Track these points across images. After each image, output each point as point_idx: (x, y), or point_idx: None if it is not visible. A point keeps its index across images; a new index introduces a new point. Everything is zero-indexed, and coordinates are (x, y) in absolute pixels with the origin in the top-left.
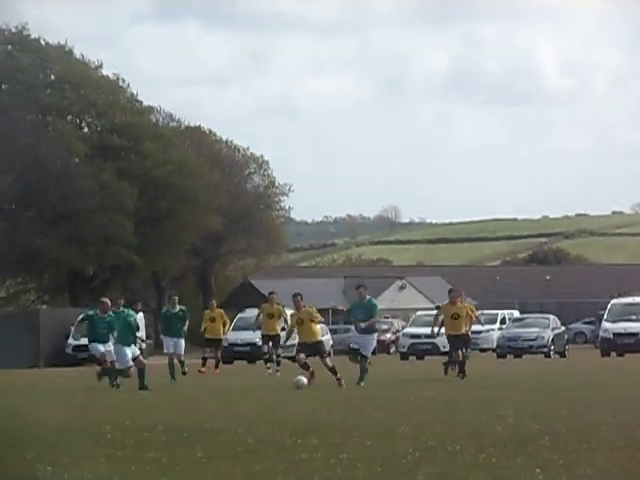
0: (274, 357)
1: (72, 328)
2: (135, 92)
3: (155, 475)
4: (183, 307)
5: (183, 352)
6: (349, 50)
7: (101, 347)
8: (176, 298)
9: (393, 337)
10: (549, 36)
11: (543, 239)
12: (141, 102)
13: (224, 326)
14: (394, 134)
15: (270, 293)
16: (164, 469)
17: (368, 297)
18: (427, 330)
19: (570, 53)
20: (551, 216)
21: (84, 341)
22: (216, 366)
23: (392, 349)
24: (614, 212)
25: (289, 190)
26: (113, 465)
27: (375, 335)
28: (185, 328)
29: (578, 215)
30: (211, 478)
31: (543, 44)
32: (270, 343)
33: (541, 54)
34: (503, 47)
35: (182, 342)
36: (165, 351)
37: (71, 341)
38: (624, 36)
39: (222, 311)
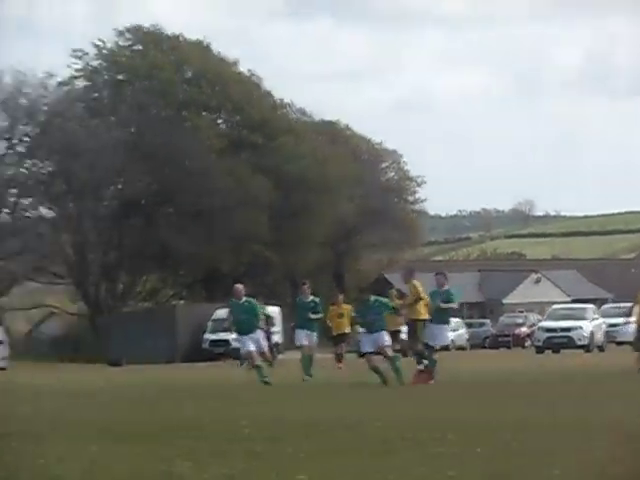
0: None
1: (209, 323)
2: (270, 88)
3: (293, 470)
4: (316, 298)
5: (315, 345)
6: (482, 43)
7: (249, 344)
8: (306, 287)
9: (528, 331)
10: None
11: None
12: (274, 98)
13: (351, 323)
14: (528, 127)
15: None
16: (301, 463)
17: (447, 287)
18: (563, 324)
19: None
20: None
21: (222, 335)
22: (339, 360)
23: (527, 343)
24: None
25: (422, 182)
26: (250, 460)
27: (447, 326)
28: (316, 317)
29: None
30: (347, 473)
31: None
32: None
33: None
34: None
35: (314, 335)
36: (297, 344)
37: (208, 336)
38: None
39: (350, 307)
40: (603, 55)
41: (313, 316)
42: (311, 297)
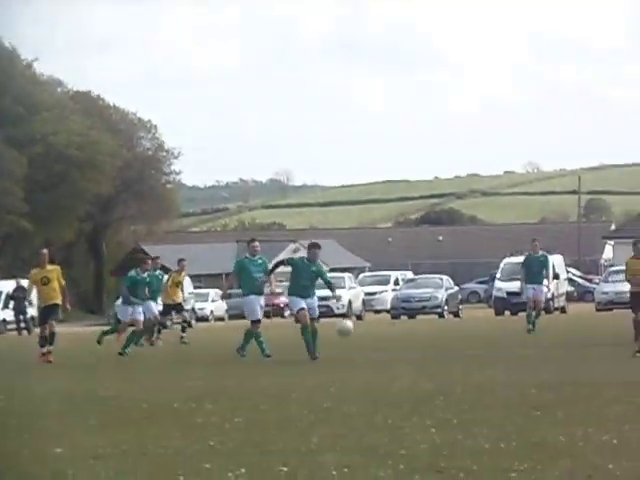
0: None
1: None
2: (30, 60)
3: (52, 444)
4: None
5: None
6: (235, 15)
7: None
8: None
9: (287, 300)
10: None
11: (435, 200)
12: (34, 70)
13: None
14: (282, 97)
15: (181, 260)
16: (56, 438)
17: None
18: (321, 293)
19: (452, 14)
20: (442, 177)
21: None
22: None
23: (287, 312)
24: (506, 172)
25: (178, 154)
26: None
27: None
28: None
29: (470, 175)
30: (105, 444)
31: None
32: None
33: (420, 16)
34: (389, 11)
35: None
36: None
37: None
38: None
39: (58, 268)
40: (354, 25)
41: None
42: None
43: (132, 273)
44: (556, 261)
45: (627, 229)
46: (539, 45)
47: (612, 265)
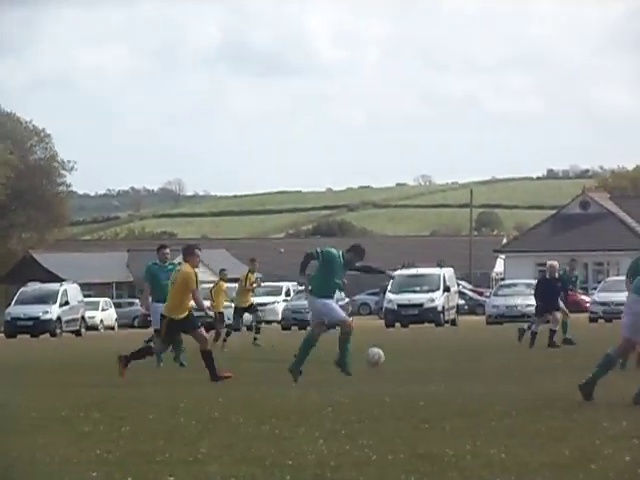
0: None
1: None
2: None
3: None
4: None
5: None
6: (119, 21)
7: None
8: None
9: None
10: (320, 6)
11: (327, 211)
12: None
13: None
14: (173, 105)
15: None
16: None
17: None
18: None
19: (342, 24)
20: (335, 188)
21: None
22: None
23: None
24: (398, 184)
25: (72, 168)
26: None
27: None
28: None
29: (362, 187)
30: None
31: (314, 14)
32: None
33: (312, 25)
34: (274, 18)
35: None
36: None
37: None
38: (394, 6)
39: None
40: (239, 33)
41: None
42: None
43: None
44: (447, 274)
45: (518, 243)
46: (430, 58)
47: (503, 279)
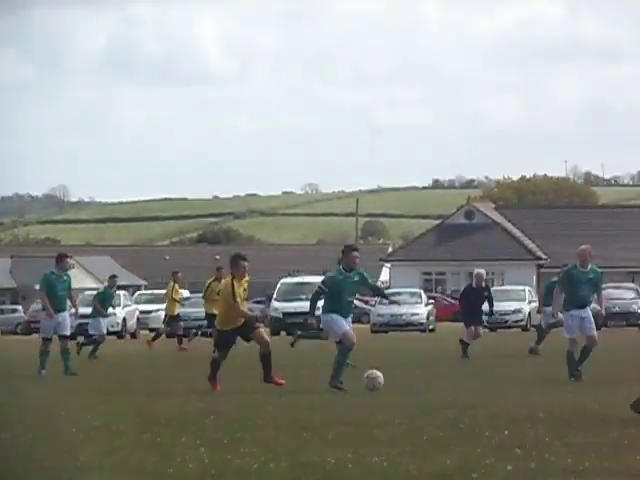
0: None
1: None
2: None
3: None
4: None
5: None
6: (10, 28)
7: None
8: None
9: None
10: (209, 16)
11: (213, 219)
12: None
13: None
14: (59, 112)
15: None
16: None
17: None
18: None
19: (231, 34)
20: (222, 196)
21: None
22: None
23: None
24: (284, 192)
25: None
26: None
27: None
28: None
29: (249, 195)
30: None
31: (204, 23)
32: None
33: (202, 33)
34: (162, 28)
35: None
36: None
37: None
38: (283, 16)
39: None
40: (126, 42)
41: None
42: None
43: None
44: None
45: (403, 252)
46: (318, 68)
47: (388, 287)
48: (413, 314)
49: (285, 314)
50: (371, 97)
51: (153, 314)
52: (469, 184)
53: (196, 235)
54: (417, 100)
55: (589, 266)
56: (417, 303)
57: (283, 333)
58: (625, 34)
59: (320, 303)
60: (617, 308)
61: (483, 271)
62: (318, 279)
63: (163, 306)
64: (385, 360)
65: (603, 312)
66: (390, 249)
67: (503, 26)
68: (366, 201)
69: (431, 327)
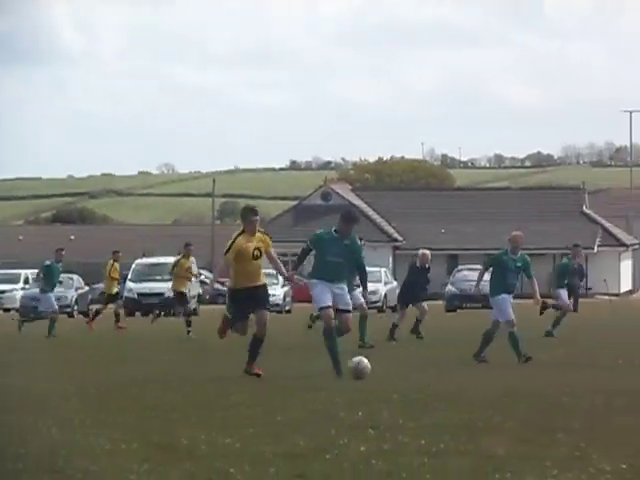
0: None
1: None
2: None
3: None
4: None
5: None
6: None
7: None
8: None
9: None
10: None
11: (68, 199)
12: None
13: None
14: None
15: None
16: None
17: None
18: None
19: (82, 11)
20: (76, 175)
21: None
22: None
23: None
24: (140, 172)
25: None
26: None
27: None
28: None
29: (104, 175)
30: None
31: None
32: None
33: (53, 12)
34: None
35: None
36: None
37: None
38: None
39: None
40: None
41: None
42: None
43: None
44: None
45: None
46: (170, 47)
47: None
48: (270, 295)
49: (140, 295)
50: (228, 78)
51: (7, 294)
52: (326, 165)
53: (50, 215)
54: (274, 81)
55: (519, 253)
56: (273, 284)
57: (138, 314)
58: (481, 19)
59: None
60: (472, 290)
61: (428, 252)
62: (173, 260)
63: (18, 286)
64: (239, 341)
65: (538, 297)
66: None
67: (360, 8)
68: (223, 182)
69: (287, 308)
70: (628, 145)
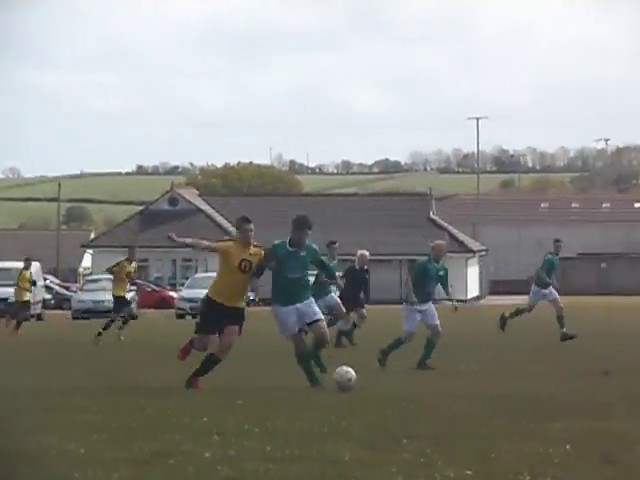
0: None
1: None
2: None
3: None
4: None
5: None
6: None
7: None
8: None
9: None
10: None
11: None
12: None
13: None
14: None
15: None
16: None
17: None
18: None
19: None
20: None
21: None
22: None
23: None
24: None
25: None
26: None
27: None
28: None
29: None
30: None
31: None
32: None
33: None
34: None
35: None
36: None
37: None
38: None
39: None
40: None
41: None
42: None
43: None
44: (33, 269)
45: (106, 238)
46: (11, 49)
47: (91, 274)
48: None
49: None
50: (72, 80)
51: None
52: (173, 170)
53: None
54: (122, 86)
55: (440, 261)
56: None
57: None
58: (330, 24)
59: None
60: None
61: (367, 253)
62: (19, 264)
63: None
64: (92, 349)
65: (456, 304)
66: (92, 235)
67: (206, 13)
68: (69, 186)
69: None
70: (475, 152)
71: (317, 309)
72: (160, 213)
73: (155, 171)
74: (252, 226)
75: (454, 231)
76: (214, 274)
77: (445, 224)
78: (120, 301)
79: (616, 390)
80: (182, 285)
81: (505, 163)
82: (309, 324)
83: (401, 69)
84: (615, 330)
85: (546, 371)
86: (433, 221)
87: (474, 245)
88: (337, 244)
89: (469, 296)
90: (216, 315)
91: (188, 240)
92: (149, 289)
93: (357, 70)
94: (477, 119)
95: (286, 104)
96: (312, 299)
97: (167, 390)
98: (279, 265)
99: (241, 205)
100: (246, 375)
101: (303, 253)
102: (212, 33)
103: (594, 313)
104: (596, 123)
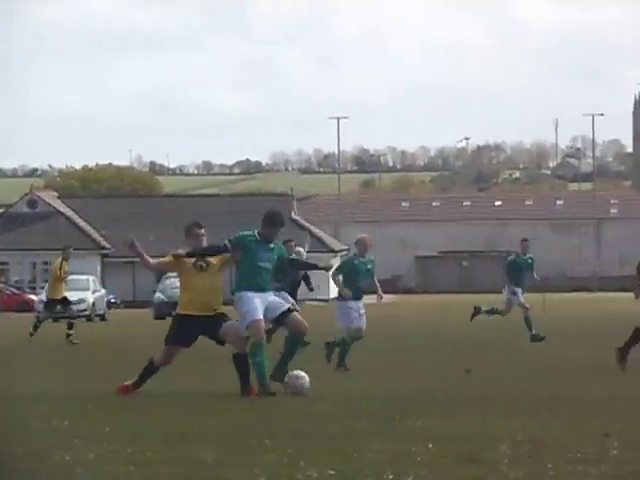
0: None
1: None
2: None
3: None
4: None
5: None
6: None
7: None
8: None
9: None
10: None
11: None
12: None
13: None
14: None
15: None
16: None
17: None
18: None
19: None
20: None
21: None
22: None
23: None
24: None
25: None
26: None
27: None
28: None
29: None
30: None
31: None
32: None
33: None
34: None
35: None
36: None
37: None
38: None
39: None
40: None
41: None
42: None
43: None
44: None
45: None
46: None
47: None
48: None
49: None
50: None
51: None
52: (32, 173)
53: None
54: None
55: (367, 256)
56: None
57: None
58: (188, 24)
59: None
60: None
61: (302, 249)
62: None
63: None
64: None
65: (381, 294)
66: None
67: (71, 15)
68: None
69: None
70: (336, 152)
71: (287, 297)
72: (19, 216)
73: (14, 174)
74: (204, 231)
75: (316, 231)
76: (75, 276)
77: (307, 224)
78: (63, 302)
79: (478, 388)
80: (42, 288)
81: (366, 163)
82: (282, 314)
83: (261, 69)
84: (475, 327)
85: (409, 371)
86: (295, 221)
87: (336, 245)
88: (293, 242)
89: (332, 296)
90: (188, 327)
91: (144, 256)
92: (9, 292)
93: (216, 70)
94: (338, 119)
95: (145, 105)
96: (271, 293)
97: (34, 395)
98: (249, 254)
99: (101, 206)
100: (105, 377)
101: (272, 246)
102: (69, 33)
103: (456, 311)
104: (455, 122)
